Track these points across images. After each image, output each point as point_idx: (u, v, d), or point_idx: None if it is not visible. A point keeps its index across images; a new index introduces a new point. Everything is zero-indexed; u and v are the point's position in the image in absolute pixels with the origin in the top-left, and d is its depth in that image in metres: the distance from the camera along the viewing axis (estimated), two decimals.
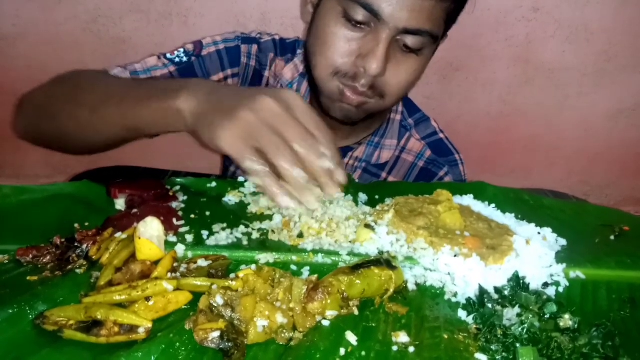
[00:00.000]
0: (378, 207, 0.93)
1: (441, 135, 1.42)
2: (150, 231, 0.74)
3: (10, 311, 0.62)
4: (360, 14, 1.01)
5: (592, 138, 2.09)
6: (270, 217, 0.88)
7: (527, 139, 2.12)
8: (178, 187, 1.00)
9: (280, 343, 0.61)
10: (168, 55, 1.22)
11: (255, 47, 1.30)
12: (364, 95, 1.09)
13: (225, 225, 0.87)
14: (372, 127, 1.36)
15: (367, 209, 0.93)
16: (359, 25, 1.03)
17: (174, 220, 0.86)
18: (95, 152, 1.13)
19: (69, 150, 1.17)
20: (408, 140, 1.39)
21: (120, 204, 0.92)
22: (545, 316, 0.66)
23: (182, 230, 0.85)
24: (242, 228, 0.86)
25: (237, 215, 0.91)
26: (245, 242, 0.82)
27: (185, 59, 1.22)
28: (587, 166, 2.18)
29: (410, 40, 1.04)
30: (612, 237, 0.91)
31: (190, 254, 0.78)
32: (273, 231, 0.85)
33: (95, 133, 1.02)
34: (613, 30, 1.83)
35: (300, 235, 0.84)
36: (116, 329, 0.61)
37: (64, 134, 1.08)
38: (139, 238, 0.72)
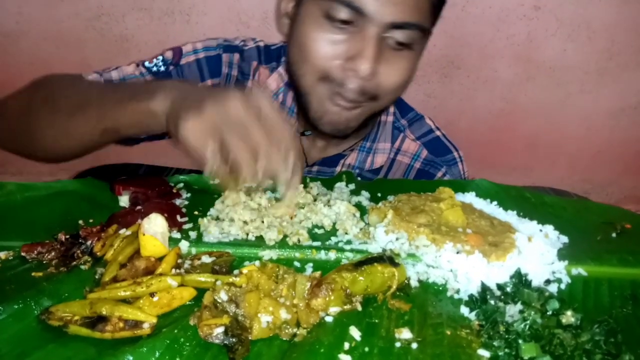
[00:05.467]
0: (380, 204, 0.94)
1: (437, 133, 1.36)
2: (154, 228, 0.74)
3: (16, 307, 0.63)
4: (343, 12, 0.96)
5: (594, 136, 2.09)
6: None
7: (528, 137, 2.11)
8: (181, 184, 1.00)
9: (284, 339, 0.62)
10: (146, 64, 1.20)
11: (237, 56, 1.25)
12: (355, 102, 1.05)
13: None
14: (363, 132, 1.30)
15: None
16: (342, 26, 0.98)
17: (178, 217, 0.87)
18: (66, 160, 1.09)
19: (40, 158, 1.14)
20: (402, 141, 1.34)
21: (124, 200, 0.92)
22: (548, 313, 0.66)
23: (185, 226, 0.86)
24: (242, 224, 0.87)
25: None
26: (249, 239, 0.83)
27: (162, 68, 1.19)
28: (588, 164, 2.18)
29: (399, 35, 0.99)
30: (614, 235, 0.91)
31: (194, 251, 0.79)
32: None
33: (71, 139, 1.00)
34: (615, 28, 1.83)
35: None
36: (121, 325, 0.61)
37: (38, 141, 1.05)
38: (143, 234, 0.73)
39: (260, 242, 0.82)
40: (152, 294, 0.64)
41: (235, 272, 0.69)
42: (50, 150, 1.06)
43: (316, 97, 1.07)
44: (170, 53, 1.21)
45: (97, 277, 0.71)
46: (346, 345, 0.60)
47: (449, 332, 0.64)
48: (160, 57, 1.20)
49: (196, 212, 0.90)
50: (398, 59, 1.03)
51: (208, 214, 0.90)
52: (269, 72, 1.26)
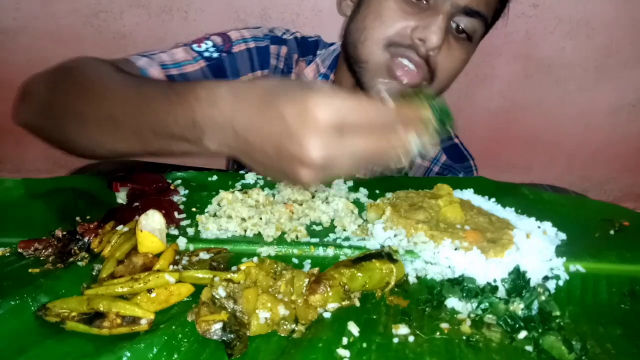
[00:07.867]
0: (378, 201, 0.94)
1: (456, 140, 1.39)
2: (151, 224, 0.74)
3: (13, 303, 0.63)
4: None
5: (592, 134, 2.09)
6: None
7: (527, 135, 2.11)
8: (179, 181, 1.00)
9: (283, 335, 0.61)
10: (195, 47, 1.12)
11: (284, 49, 1.24)
12: (419, 68, 1.04)
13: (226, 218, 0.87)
14: None
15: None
16: (415, 1, 1.01)
17: (175, 213, 0.87)
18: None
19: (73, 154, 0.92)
20: None
21: (121, 197, 0.92)
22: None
23: (183, 223, 0.86)
24: (240, 221, 0.87)
25: None
26: (247, 235, 0.83)
27: (215, 54, 1.13)
28: (587, 162, 2.17)
29: (465, 22, 1.03)
30: (612, 232, 0.91)
31: (191, 247, 0.78)
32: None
33: (105, 150, 0.81)
34: (614, 25, 1.83)
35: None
36: (118, 321, 0.61)
37: (71, 145, 0.87)
38: (141, 231, 0.73)
39: (258, 238, 0.82)
40: (149, 290, 0.64)
41: (233, 268, 0.69)
42: (88, 155, 0.87)
43: (375, 62, 1.07)
44: (219, 39, 1.15)
45: (94, 273, 0.71)
46: (344, 341, 0.60)
47: (445, 328, 0.64)
48: (209, 42, 1.14)
49: (194, 209, 0.90)
50: (458, 45, 1.07)
51: (206, 210, 0.90)
52: (305, 65, 1.27)
